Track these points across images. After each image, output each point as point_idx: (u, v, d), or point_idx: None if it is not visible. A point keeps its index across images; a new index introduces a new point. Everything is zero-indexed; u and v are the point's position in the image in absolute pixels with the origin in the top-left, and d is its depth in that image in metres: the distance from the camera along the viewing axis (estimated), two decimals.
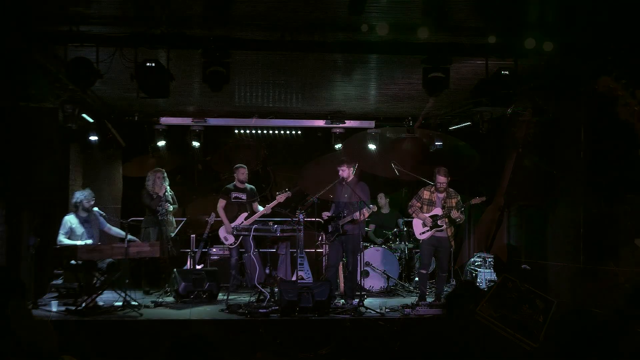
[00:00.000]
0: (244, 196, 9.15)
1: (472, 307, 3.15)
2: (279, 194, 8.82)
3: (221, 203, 9.10)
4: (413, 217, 8.36)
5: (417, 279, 9.32)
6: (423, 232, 8.19)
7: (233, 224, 8.97)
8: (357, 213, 7.90)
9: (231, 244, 9.02)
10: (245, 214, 9.06)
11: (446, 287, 9.27)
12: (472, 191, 8.78)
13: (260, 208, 9.09)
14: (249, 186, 9.26)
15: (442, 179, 8.15)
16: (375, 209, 8.33)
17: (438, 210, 8.18)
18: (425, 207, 8.24)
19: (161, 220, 8.93)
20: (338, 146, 10.58)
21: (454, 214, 8.07)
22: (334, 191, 8.57)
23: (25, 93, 7.10)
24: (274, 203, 8.83)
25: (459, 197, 8.35)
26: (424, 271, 8.30)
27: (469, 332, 3.08)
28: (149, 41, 5.75)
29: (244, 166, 9.24)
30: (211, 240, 9.35)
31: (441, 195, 8.24)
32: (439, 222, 8.12)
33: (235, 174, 9.19)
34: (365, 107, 9.62)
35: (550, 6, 5.22)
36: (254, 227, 8.16)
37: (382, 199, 10.28)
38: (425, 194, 8.30)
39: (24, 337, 3.05)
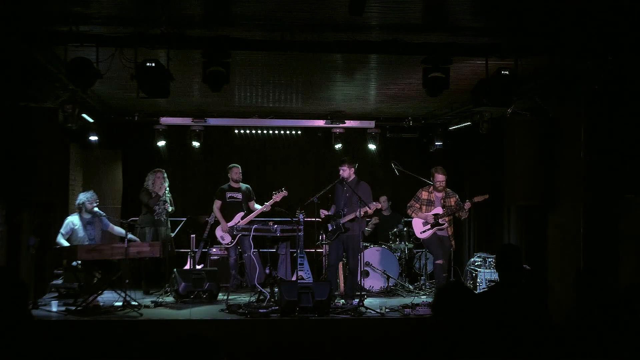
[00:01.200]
0: (239, 196, 9.16)
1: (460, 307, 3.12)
2: (275, 193, 8.83)
3: (217, 204, 9.13)
4: (412, 217, 8.35)
5: (419, 280, 9.32)
6: (424, 231, 8.20)
7: (229, 224, 8.98)
8: (358, 211, 7.93)
9: (227, 244, 9.03)
10: (241, 214, 9.06)
11: None
12: (473, 190, 8.77)
13: (257, 207, 9.10)
14: (244, 185, 9.27)
15: (441, 177, 8.18)
16: (379, 205, 8.33)
17: (438, 210, 8.21)
18: (424, 208, 8.26)
19: (157, 220, 8.94)
20: (338, 146, 10.59)
21: (462, 214, 8.16)
22: (333, 191, 8.57)
23: (25, 93, 7.09)
24: (270, 202, 8.84)
25: (457, 196, 8.37)
26: (439, 261, 8.22)
27: (456, 332, 3.06)
28: (149, 41, 5.74)
29: (238, 165, 9.25)
30: (211, 240, 9.37)
31: (439, 195, 8.26)
32: (440, 221, 8.15)
33: (229, 174, 9.20)
34: (365, 107, 9.61)
35: (550, 5, 5.21)
36: (254, 227, 8.17)
37: (385, 202, 10.28)
38: (424, 195, 8.31)
39: None
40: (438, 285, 8.22)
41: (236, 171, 9.20)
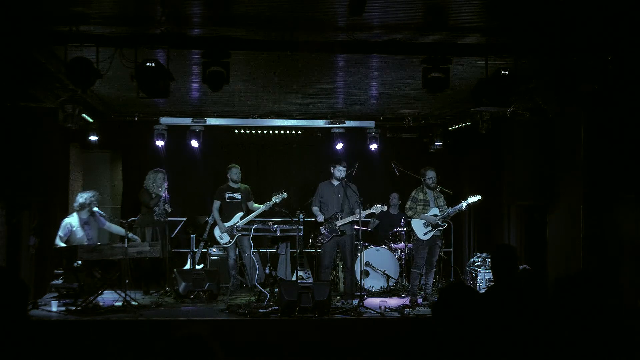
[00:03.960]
0: (238, 196, 9.17)
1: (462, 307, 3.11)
2: (276, 195, 8.83)
3: (216, 204, 9.15)
4: (414, 218, 8.31)
5: (419, 280, 9.33)
6: (426, 233, 8.20)
7: (228, 224, 8.98)
8: (359, 214, 7.95)
9: (226, 243, 9.03)
10: (240, 214, 9.06)
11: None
12: (472, 191, 8.76)
13: (257, 206, 9.10)
14: (243, 186, 9.27)
15: (433, 174, 8.28)
16: (386, 208, 8.35)
17: (435, 210, 8.23)
18: (422, 208, 8.25)
19: (156, 221, 8.95)
20: (338, 146, 10.58)
21: (450, 215, 8.24)
22: (322, 191, 8.54)
23: (25, 93, 7.09)
24: (270, 204, 8.85)
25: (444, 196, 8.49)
26: (417, 271, 8.32)
27: (458, 332, 3.05)
28: (149, 41, 5.74)
29: (237, 166, 9.26)
30: (211, 240, 9.37)
31: (432, 193, 8.31)
32: (440, 223, 8.19)
33: (228, 174, 9.20)
34: (365, 107, 9.61)
35: (550, 5, 5.21)
36: (253, 227, 8.17)
37: (395, 199, 10.29)
38: (420, 195, 8.34)
39: None
40: (412, 292, 8.22)
41: (235, 171, 9.21)
